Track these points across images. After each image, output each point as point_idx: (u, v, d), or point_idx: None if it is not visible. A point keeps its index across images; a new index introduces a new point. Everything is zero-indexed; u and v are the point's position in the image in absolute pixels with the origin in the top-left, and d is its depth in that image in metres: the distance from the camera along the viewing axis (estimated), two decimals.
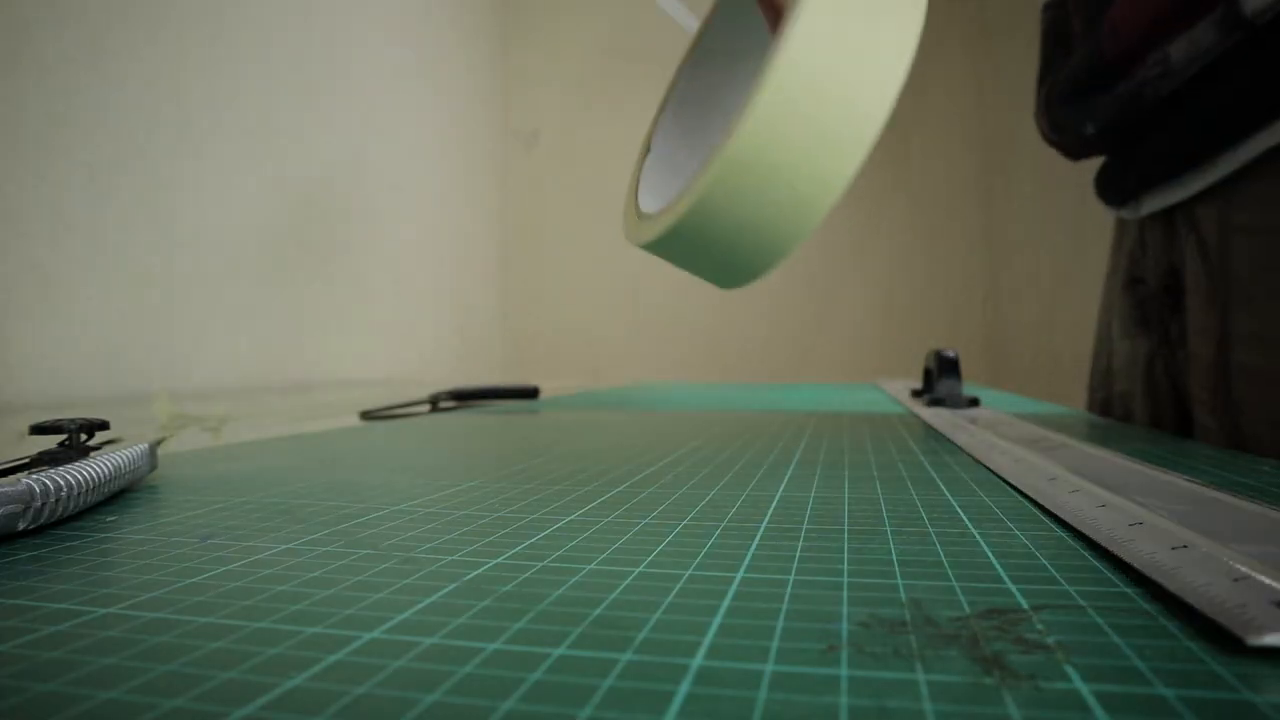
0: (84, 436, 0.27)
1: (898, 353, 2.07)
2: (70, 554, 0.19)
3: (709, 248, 0.20)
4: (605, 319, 2.23)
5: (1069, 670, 0.11)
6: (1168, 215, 0.46)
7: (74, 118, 0.93)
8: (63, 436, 0.26)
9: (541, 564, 0.17)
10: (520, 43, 2.32)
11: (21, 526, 0.20)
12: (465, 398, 0.74)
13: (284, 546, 0.19)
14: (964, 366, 0.61)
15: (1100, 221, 0.76)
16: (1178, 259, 0.46)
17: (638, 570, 0.17)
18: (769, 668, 0.12)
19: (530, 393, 0.78)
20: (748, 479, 0.28)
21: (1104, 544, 0.18)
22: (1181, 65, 0.40)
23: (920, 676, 0.11)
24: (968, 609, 0.14)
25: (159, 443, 0.31)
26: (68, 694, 0.11)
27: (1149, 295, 0.49)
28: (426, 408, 0.69)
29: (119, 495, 0.26)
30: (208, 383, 1.13)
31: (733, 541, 0.19)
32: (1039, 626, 0.13)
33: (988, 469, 0.30)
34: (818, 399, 0.74)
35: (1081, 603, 0.14)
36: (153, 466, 0.29)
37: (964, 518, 0.22)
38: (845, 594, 0.15)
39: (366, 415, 0.63)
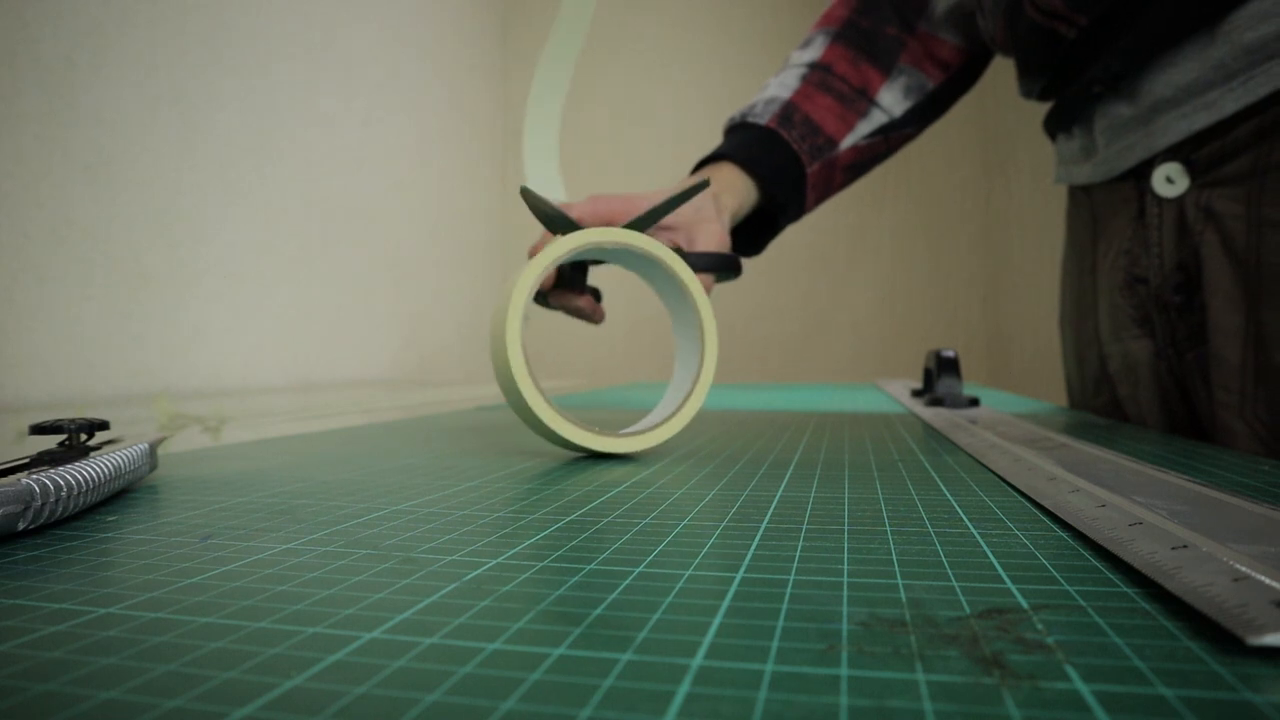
0: (84, 436, 0.27)
1: (898, 353, 2.07)
2: (70, 554, 0.19)
3: None
4: (605, 319, 2.23)
5: (1069, 670, 0.11)
6: (1178, 210, 0.45)
7: (74, 118, 0.93)
8: (63, 436, 0.26)
9: (541, 564, 0.17)
10: (520, 43, 2.32)
11: (21, 526, 0.20)
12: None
13: (284, 546, 0.19)
14: (964, 366, 0.60)
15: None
16: (1188, 256, 0.44)
17: (638, 570, 0.17)
18: (769, 668, 0.12)
19: (733, 265, 0.51)
20: (748, 479, 0.28)
21: (1104, 544, 0.18)
22: None
23: (920, 676, 0.11)
24: (968, 609, 0.14)
25: (159, 443, 0.31)
26: (68, 694, 0.11)
27: (1150, 295, 0.48)
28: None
29: (119, 495, 0.26)
30: (208, 383, 1.13)
31: (733, 541, 0.19)
32: (1039, 626, 0.13)
33: (988, 469, 0.30)
34: (817, 399, 0.74)
35: (1081, 603, 0.14)
36: (153, 466, 0.29)
37: (964, 518, 0.22)
38: (845, 594, 0.15)
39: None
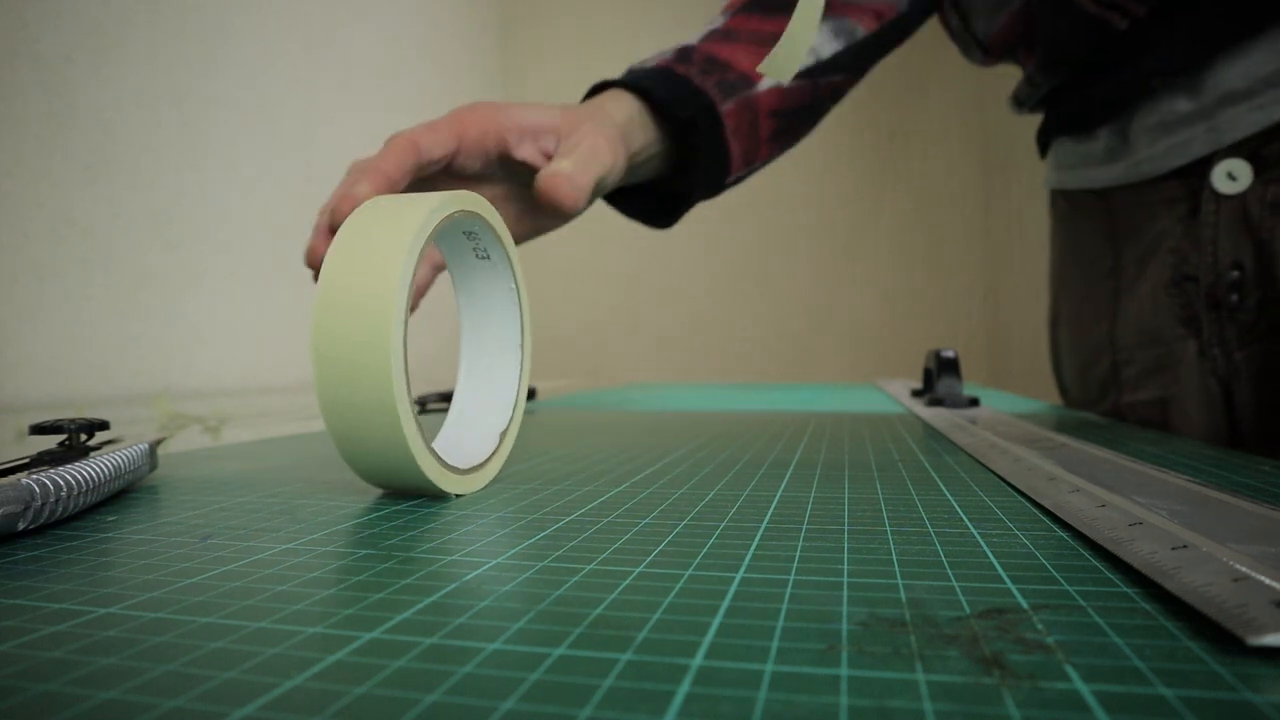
0: (84, 436, 0.27)
1: (898, 353, 2.07)
2: (70, 554, 0.19)
3: None
4: (605, 319, 2.23)
5: (1069, 670, 0.11)
6: (1240, 206, 0.43)
7: (74, 118, 0.93)
8: (63, 436, 0.26)
9: (541, 564, 0.17)
10: (520, 40, 2.32)
11: (21, 526, 0.20)
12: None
13: (284, 546, 0.19)
14: (964, 366, 0.60)
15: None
16: (1246, 253, 0.43)
17: (638, 570, 0.17)
18: (769, 668, 0.12)
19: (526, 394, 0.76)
20: (748, 479, 0.28)
21: (1104, 544, 0.18)
22: None
23: (920, 676, 0.11)
24: (968, 609, 0.14)
25: (159, 443, 0.31)
26: (67, 694, 0.11)
27: (1199, 294, 0.46)
28: (415, 409, 0.64)
29: (119, 495, 0.26)
30: (208, 383, 1.13)
31: (733, 541, 0.19)
32: (1039, 626, 0.13)
33: (988, 469, 0.30)
34: (817, 399, 0.74)
35: (1081, 603, 0.14)
36: (153, 466, 0.29)
37: (964, 518, 0.22)
38: (845, 594, 0.15)
39: None
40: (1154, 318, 0.49)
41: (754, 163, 0.50)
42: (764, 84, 0.47)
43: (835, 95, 0.54)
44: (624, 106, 0.43)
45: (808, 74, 0.51)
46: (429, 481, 0.24)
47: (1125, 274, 0.52)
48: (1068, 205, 0.58)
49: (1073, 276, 0.58)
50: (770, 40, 0.46)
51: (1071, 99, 0.53)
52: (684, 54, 0.46)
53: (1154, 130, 0.47)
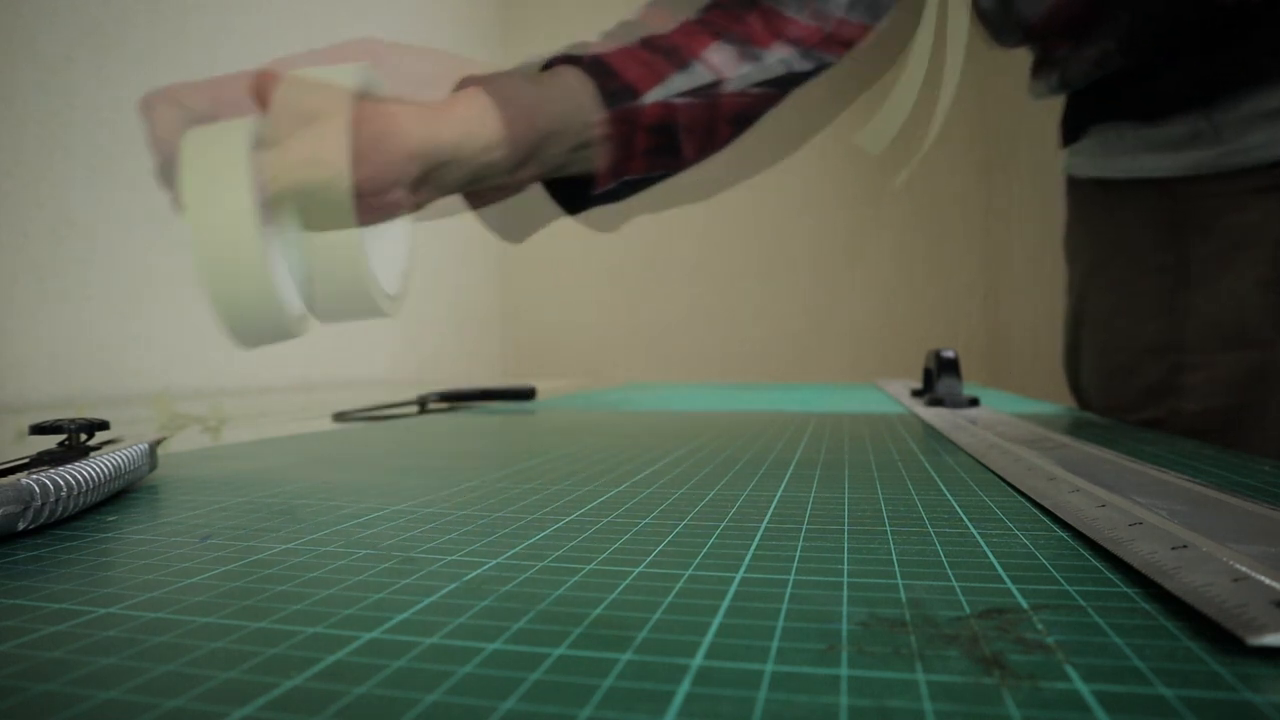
0: (84, 436, 0.27)
1: (898, 353, 2.07)
2: (70, 554, 0.19)
3: None
4: (605, 319, 2.23)
5: (1069, 670, 0.11)
6: None
7: (74, 117, 0.93)
8: (63, 436, 0.26)
9: (541, 564, 0.17)
10: (520, 40, 2.32)
11: (21, 526, 0.20)
12: (456, 399, 0.71)
13: (284, 546, 0.19)
14: (964, 366, 0.59)
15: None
16: None
17: (638, 570, 0.17)
18: (769, 668, 0.12)
19: (526, 393, 0.76)
20: (748, 479, 0.28)
21: (1104, 544, 0.18)
22: None
23: (920, 676, 0.11)
24: (968, 609, 0.14)
25: (159, 443, 0.31)
26: (67, 694, 0.11)
27: None
28: (414, 409, 0.65)
29: (119, 495, 0.26)
30: (208, 383, 1.13)
31: (733, 541, 0.19)
32: (1039, 626, 0.13)
33: (988, 469, 0.30)
34: (817, 400, 0.74)
35: (1081, 603, 0.14)
36: (153, 466, 0.29)
37: (964, 518, 0.22)
38: (845, 594, 0.15)
39: (341, 416, 0.60)
40: (1249, 318, 0.45)
41: (625, 175, 0.45)
42: (649, 96, 0.43)
43: (741, 119, 0.48)
44: (464, 105, 0.38)
45: (703, 91, 0.45)
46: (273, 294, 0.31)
47: (1196, 269, 0.47)
48: (1107, 195, 0.53)
49: (1109, 272, 0.53)
50: (661, 51, 0.44)
51: (1141, 82, 0.49)
52: (568, 56, 0.43)
53: (1269, 116, 0.44)
